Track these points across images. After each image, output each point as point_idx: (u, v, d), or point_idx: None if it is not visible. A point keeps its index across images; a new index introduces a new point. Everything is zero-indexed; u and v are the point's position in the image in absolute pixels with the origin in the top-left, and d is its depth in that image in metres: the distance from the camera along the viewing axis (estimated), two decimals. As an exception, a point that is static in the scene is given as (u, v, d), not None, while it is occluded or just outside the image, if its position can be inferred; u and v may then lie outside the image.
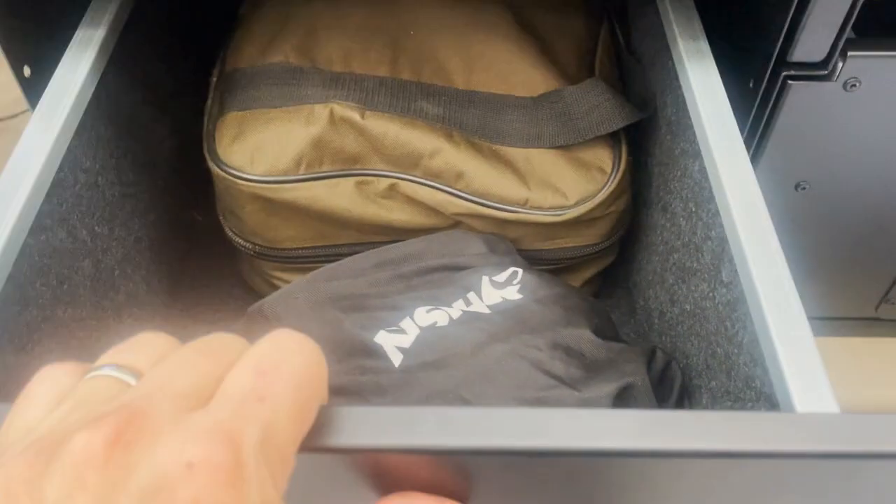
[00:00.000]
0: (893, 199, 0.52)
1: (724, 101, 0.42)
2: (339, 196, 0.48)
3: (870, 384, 0.74)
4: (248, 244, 0.52)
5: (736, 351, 0.35)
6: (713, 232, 0.39)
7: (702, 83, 0.43)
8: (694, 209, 0.42)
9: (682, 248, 0.44)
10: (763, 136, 0.48)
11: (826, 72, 0.43)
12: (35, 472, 0.16)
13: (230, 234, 0.52)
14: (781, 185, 0.51)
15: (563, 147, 0.49)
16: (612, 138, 0.50)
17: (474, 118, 0.49)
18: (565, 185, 0.48)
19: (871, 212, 0.53)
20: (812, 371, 0.29)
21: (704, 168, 0.40)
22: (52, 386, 0.20)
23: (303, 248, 0.51)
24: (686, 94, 0.43)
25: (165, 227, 0.55)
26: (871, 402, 0.71)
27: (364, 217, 0.49)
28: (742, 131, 0.47)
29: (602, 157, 0.49)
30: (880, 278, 0.60)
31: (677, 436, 0.21)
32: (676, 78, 0.45)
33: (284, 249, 0.51)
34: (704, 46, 0.45)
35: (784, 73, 0.44)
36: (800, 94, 0.44)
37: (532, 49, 0.52)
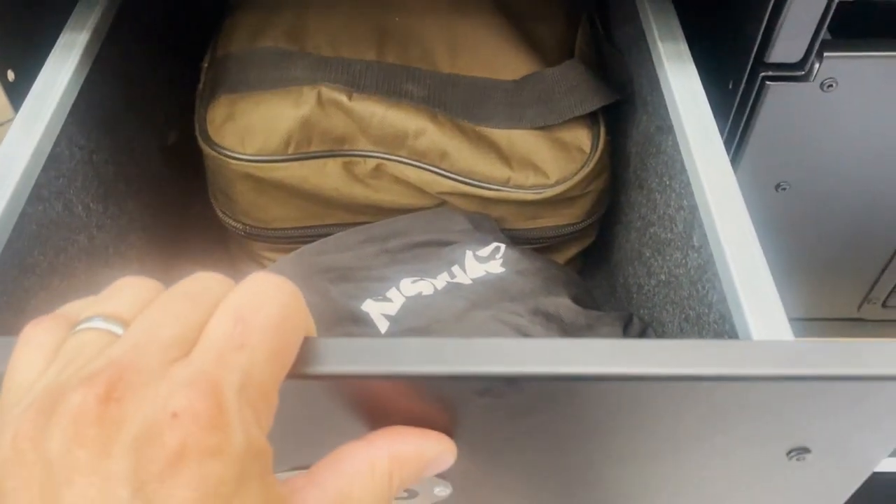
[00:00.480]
0: (873, 198, 0.53)
1: (696, 80, 0.44)
2: (327, 176, 0.50)
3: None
4: (238, 224, 0.53)
5: (707, 311, 0.37)
6: (685, 201, 0.40)
7: (677, 72, 0.44)
8: (668, 182, 0.44)
9: (657, 221, 0.46)
10: (743, 137, 0.49)
11: (803, 72, 0.44)
12: (38, 428, 0.17)
13: (221, 215, 0.54)
14: (762, 186, 0.51)
15: (544, 128, 0.50)
16: (591, 119, 0.51)
17: (458, 100, 0.51)
18: (546, 164, 0.50)
19: (852, 211, 0.54)
20: (774, 316, 0.30)
21: (677, 142, 0.42)
22: (40, 345, 0.20)
23: (292, 228, 0.53)
24: (660, 75, 0.45)
25: (159, 210, 0.56)
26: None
27: (352, 197, 0.51)
28: (722, 132, 0.48)
29: (581, 137, 0.51)
30: (862, 278, 0.60)
31: (645, 360, 0.23)
32: (654, 67, 0.46)
33: (274, 229, 0.53)
34: (683, 47, 0.46)
35: (762, 74, 0.44)
36: (778, 95, 0.45)
37: (514, 35, 0.54)
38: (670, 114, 0.43)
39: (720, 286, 0.35)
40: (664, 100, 0.44)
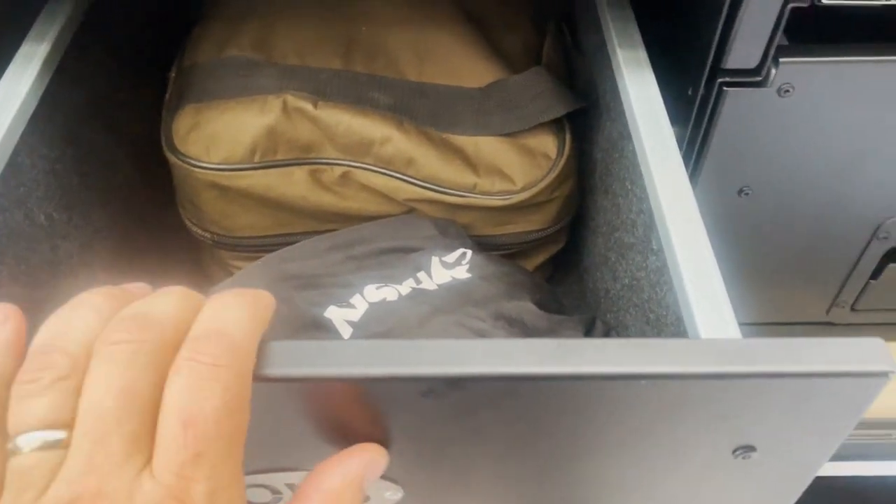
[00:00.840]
0: (835, 201, 0.53)
1: (654, 87, 0.44)
2: (293, 184, 0.50)
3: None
4: (206, 233, 0.53)
5: (665, 313, 0.37)
6: (644, 205, 0.41)
7: (635, 79, 0.45)
8: (630, 187, 0.44)
9: (621, 225, 0.46)
10: (704, 143, 0.49)
11: (760, 78, 0.44)
12: None
13: (189, 224, 0.54)
14: (725, 191, 0.51)
15: (510, 134, 0.51)
16: (557, 126, 0.52)
17: (425, 108, 0.51)
18: (512, 170, 0.50)
19: (816, 214, 0.54)
20: (722, 317, 0.31)
21: (634, 148, 0.42)
22: None
23: (260, 237, 0.53)
24: (619, 82, 0.46)
25: (126, 220, 0.56)
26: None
27: (319, 204, 0.51)
28: (683, 138, 0.48)
29: (547, 143, 0.51)
30: (830, 281, 0.61)
31: (584, 360, 0.23)
32: (613, 76, 0.47)
33: (242, 238, 0.53)
34: (642, 54, 0.46)
35: (720, 80, 0.45)
36: (736, 101, 0.45)
37: (481, 43, 0.54)
38: (628, 120, 0.44)
39: (674, 287, 0.35)
40: (623, 106, 0.45)
